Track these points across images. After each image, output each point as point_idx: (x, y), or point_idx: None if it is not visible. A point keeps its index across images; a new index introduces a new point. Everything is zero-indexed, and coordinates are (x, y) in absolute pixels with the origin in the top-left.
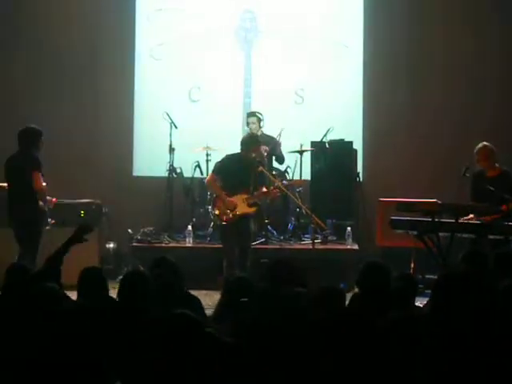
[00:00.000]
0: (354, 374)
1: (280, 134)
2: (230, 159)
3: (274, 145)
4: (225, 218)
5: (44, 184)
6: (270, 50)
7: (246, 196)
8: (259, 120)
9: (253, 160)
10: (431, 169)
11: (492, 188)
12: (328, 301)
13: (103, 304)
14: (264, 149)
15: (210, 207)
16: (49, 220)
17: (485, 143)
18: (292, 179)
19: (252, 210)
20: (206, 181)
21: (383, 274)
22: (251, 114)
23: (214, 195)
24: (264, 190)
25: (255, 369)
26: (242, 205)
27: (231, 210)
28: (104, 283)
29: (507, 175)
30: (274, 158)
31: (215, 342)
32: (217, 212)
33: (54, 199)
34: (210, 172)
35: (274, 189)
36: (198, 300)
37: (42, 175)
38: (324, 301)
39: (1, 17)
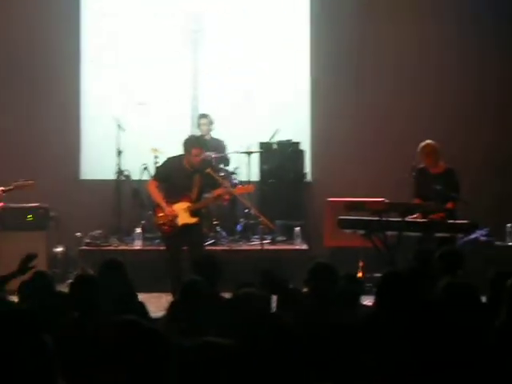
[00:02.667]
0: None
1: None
2: (170, 163)
3: (221, 148)
4: (166, 228)
5: None
6: (218, 52)
7: (188, 204)
8: (210, 122)
9: (195, 164)
10: (379, 168)
11: (438, 187)
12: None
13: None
14: (208, 155)
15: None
16: None
17: (428, 141)
18: (236, 184)
19: (194, 219)
20: (146, 187)
21: (331, 274)
22: (202, 116)
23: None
24: (214, 194)
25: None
26: (183, 214)
27: (171, 221)
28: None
29: (452, 173)
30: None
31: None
32: (158, 222)
33: (0, 203)
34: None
35: (217, 196)
36: (142, 304)
37: None
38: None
39: None
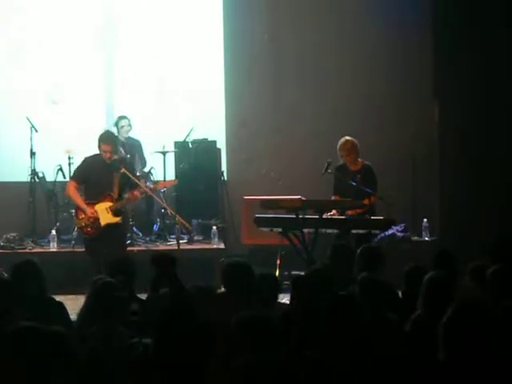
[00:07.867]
0: None
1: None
2: (89, 163)
3: (138, 148)
4: (89, 230)
5: None
6: (132, 49)
7: (109, 204)
8: (130, 125)
9: (114, 162)
10: (295, 166)
11: (354, 183)
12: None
13: None
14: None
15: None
16: None
17: (347, 138)
18: (157, 181)
19: (117, 219)
20: (66, 190)
21: (245, 272)
22: (123, 117)
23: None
24: (135, 193)
25: None
26: (105, 215)
27: (93, 222)
28: None
29: (369, 169)
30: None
31: None
32: (80, 224)
33: None
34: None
35: (136, 192)
36: (62, 305)
37: None
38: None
39: None
